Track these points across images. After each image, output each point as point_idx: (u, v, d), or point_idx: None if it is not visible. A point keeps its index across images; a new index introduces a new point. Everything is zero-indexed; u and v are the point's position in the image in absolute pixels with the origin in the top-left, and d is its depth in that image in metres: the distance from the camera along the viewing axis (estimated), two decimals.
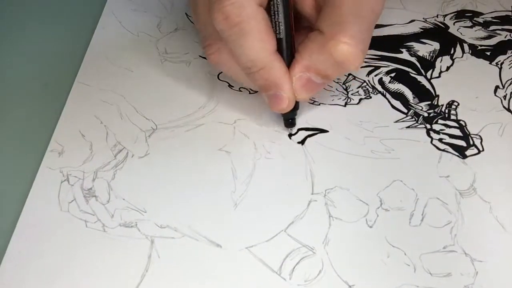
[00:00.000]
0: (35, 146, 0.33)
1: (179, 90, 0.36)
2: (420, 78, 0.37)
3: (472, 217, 0.29)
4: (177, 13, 0.42)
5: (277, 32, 0.30)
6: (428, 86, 0.37)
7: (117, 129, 0.34)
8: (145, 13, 0.42)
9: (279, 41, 0.30)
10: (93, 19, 0.41)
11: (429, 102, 0.35)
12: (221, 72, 0.37)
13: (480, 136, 0.33)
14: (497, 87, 0.36)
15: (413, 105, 0.35)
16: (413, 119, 0.34)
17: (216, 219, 0.29)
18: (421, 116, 0.34)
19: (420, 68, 0.38)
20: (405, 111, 0.35)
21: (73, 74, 0.37)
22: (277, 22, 0.30)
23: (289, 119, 0.33)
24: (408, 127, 0.34)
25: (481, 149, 0.33)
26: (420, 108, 0.35)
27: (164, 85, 0.36)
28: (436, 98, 0.36)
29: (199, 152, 0.32)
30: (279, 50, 0.30)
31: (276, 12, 0.29)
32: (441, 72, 0.37)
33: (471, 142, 0.33)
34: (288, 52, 0.30)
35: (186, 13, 0.42)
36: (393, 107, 0.35)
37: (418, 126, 0.34)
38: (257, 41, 0.28)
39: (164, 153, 0.32)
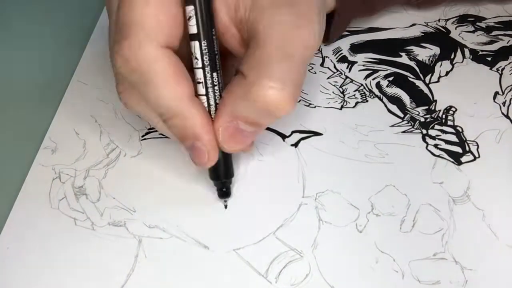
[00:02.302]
0: (29, 143, 0.33)
1: None
2: (418, 83, 0.37)
3: (464, 225, 0.29)
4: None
5: (199, 77, 0.26)
6: (426, 91, 0.36)
7: (111, 128, 0.34)
8: None
9: (200, 86, 0.26)
10: (93, 17, 0.42)
11: (426, 107, 0.35)
12: None
13: (476, 142, 0.33)
14: (496, 93, 0.36)
15: (410, 109, 0.35)
16: (409, 124, 0.34)
17: (205, 220, 0.29)
18: (418, 121, 0.34)
19: (419, 73, 0.37)
20: (402, 115, 0.35)
21: (70, 72, 0.37)
22: (198, 66, 0.26)
23: (222, 188, 0.29)
24: (404, 132, 0.34)
25: (477, 155, 0.32)
26: (417, 113, 0.35)
27: None
28: (434, 103, 0.35)
29: None
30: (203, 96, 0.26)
31: (195, 54, 0.25)
32: (440, 77, 0.37)
33: (467, 149, 0.32)
34: (213, 99, 0.26)
35: None
36: (389, 111, 0.35)
37: (414, 131, 0.34)
38: (163, 88, 0.24)
39: (156, 153, 0.32)
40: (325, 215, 0.29)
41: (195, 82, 0.26)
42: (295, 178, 0.31)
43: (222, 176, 0.28)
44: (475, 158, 0.32)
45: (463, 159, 0.32)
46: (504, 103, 0.35)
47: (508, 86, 0.36)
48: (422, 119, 0.34)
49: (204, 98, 0.26)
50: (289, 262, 0.27)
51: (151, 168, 0.32)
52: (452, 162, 0.32)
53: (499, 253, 0.28)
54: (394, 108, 0.35)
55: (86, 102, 0.35)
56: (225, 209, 0.30)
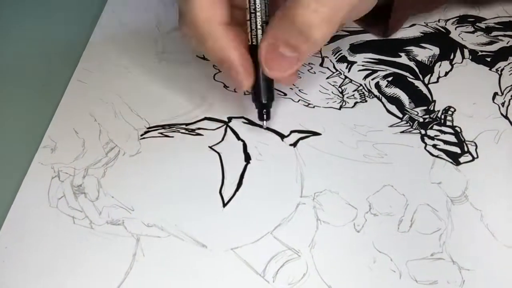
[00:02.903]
0: (29, 142, 0.33)
1: (174, 90, 0.36)
2: (417, 83, 0.37)
3: (462, 225, 0.29)
4: (176, 13, 0.42)
5: (249, 8, 0.28)
6: (425, 91, 0.36)
7: (110, 127, 0.34)
8: (145, 12, 0.42)
9: (246, 11, 0.29)
10: (94, 16, 0.42)
11: (425, 107, 0.35)
12: (217, 73, 0.37)
13: (475, 143, 0.33)
14: (495, 94, 0.36)
15: (408, 110, 0.35)
16: (408, 124, 0.34)
17: (203, 219, 0.29)
18: (416, 121, 0.34)
19: (418, 73, 0.37)
20: (400, 115, 0.35)
21: (70, 71, 0.37)
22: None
23: (262, 110, 0.32)
24: (403, 132, 0.34)
25: (475, 156, 0.32)
26: (416, 113, 0.35)
27: (160, 84, 0.37)
28: (433, 104, 0.35)
29: (190, 152, 0.32)
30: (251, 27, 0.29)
31: None
32: (439, 77, 0.37)
33: (466, 149, 0.32)
34: (254, 24, 0.29)
35: None
36: (388, 111, 0.35)
37: (413, 131, 0.34)
38: (199, 11, 0.27)
39: (155, 152, 0.32)
40: (323, 215, 0.29)
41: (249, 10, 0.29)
42: (293, 178, 0.31)
43: (263, 98, 0.31)
44: (473, 159, 0.32)
45: (462, 159, 0.32)
46: (503, 104, 0.35)
47: (507, 87, 0.36)
48: (421, 119, 0.34)
49: (248, 24, 0.29)
50: (287, 262, 0.28)
51: (150, 167, 0.32)
52: (451, 162, 0.32)
53: (497, 253, 0.28)
54: (393, 108, 0.35)
55: (85, 101, 0.35)
56: (223, 208, 0.30)
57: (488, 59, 0.38)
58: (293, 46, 0.27)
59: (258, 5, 0.28)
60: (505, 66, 0.38)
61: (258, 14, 0.28)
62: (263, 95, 0.31)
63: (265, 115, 0.32)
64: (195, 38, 0.29)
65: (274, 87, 0.32)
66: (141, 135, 0.33)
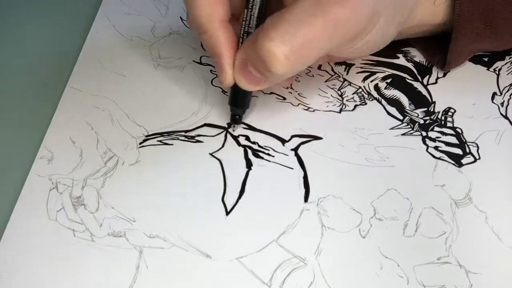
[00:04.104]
0: (25, 153, 0.32)
1: (172, 96, 0.36)
2: (416, 84, 0.36)
3: (467, 228, 0.29)
4: (171, 17, 0.41)
5: (246, 12, 0.29)
6: (424, 92, 0.36)
7: (108, 136, 0.33)
8: (139, 17, 0.41)
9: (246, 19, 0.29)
10: (87, 22, 0.41)
11: (425, 109, 0.35)
12: (214, 78, 0.37)
13: (476, 144, 0.33)
14: (494, 94, 0.36)
15: (409, 111, 0.35)
16: (409, 126, 0.34)
17: (206, 229, 0.29)
18: (417, 123, 0.34)
19: (417, 74, 0.37)
20: (401, 118, 0.34)
21: (65, 79, 0.37)
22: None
23: (235, 115, 0.33)
24: (404, 134, 0.33)
25: (477, 157, 0.32)
26: (416, 115, 0.34)
27: (157, 90, 0.36)
28: (433, 105, 0.35)
29: (190, 159, 0.32)
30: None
31: None
32: (437, 78, 0.37)
33: (468, 150, 0.32)
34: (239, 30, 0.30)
35: (180, 17, 0.41)
36: (388, 113, 0.35)
37: (414, 134, 0.33)
38: (199, 7, 0.28)
39: (155, 161, 0.32)
40: (327, 221, 0.29)
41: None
42: (296, 183, 0.31)
43: (238, 104, 0.32)
44: (475, 160, 0.32)
45: (464, 161, 0.32)
46: (502, 104, 0.35)
47: (506, 87, 0.36)
48: (422, 121, 0.34)
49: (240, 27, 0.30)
50: (293, 270, 0.27)
51: (150, 176, 0.31)
52: (453, 164, 0.32)
53: (503, 255, 0.28)
54: (393, 110, 0.35)
55: (81, 110, 0.35)
56: (226, 216, 0.29)
57: (486, 59, 0.38)
58: (258, 70, 0.28)
59: (244, 15, 0.29)
60: (502, 66, 0.38)
61: (244, 23, 0.30)
62: (239, 101, 0.32)
63: (236, 120, 0.33)
64: (195, 31, 0.30)
65: (251, 96, 0.33)
66: (140, 143, 0.33)
